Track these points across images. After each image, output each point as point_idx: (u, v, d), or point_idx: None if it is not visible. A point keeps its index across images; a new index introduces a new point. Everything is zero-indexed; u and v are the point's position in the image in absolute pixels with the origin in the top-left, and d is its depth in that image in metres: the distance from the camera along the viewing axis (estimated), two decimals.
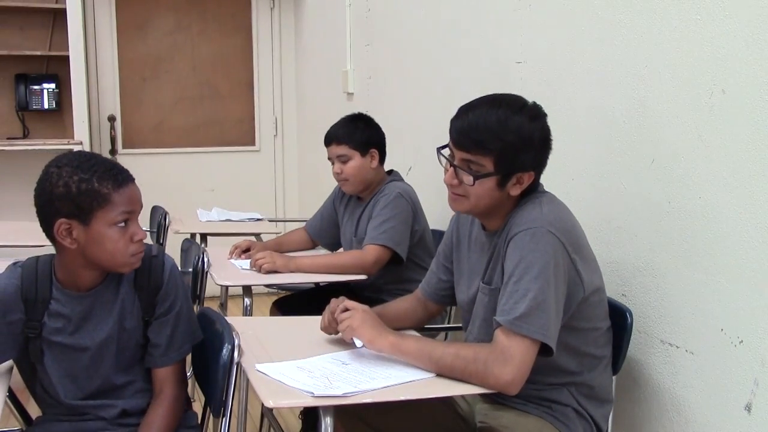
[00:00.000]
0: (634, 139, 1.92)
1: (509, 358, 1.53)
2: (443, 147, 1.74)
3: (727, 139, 1.63)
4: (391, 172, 2.82)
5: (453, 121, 1.69)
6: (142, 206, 1.64)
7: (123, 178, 1.60)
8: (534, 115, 1.66)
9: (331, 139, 2.75)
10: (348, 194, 2.86)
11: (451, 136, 1.69)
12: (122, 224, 1.59)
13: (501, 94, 1.70)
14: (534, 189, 1.72)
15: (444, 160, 1.74)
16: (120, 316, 1.67)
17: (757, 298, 1.58)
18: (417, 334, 1.87)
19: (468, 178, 1.66)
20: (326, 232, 2.99)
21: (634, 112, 1.91)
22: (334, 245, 3.01)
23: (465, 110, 1.68)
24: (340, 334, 1.75)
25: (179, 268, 1.75)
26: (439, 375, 1.59)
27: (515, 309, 1.55)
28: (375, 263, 2.57)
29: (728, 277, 1.65)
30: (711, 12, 1.67)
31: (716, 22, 1.65)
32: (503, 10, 2.54)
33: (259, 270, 2.57)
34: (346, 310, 1.73)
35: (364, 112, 2.93)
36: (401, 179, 2.80)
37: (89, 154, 1.64)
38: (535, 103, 1.70)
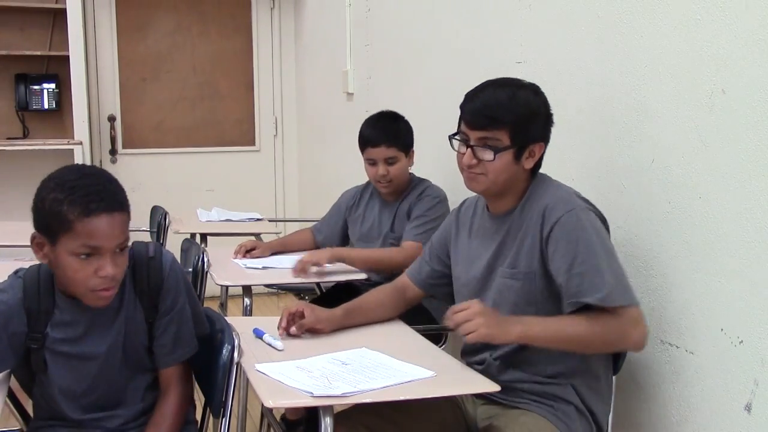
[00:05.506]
0: (634, 139, 1.92)
1: (635, 321, 1.63)
2: (455, 134, 1.81)
3: (727, 139, 1.63)
4: None
5: (465, 105, 1.79)
6: (120, 240, 1.52)
7: (97, 207, 1.48)
8: (536, 90, 1.80)
9: (380, 140, 2.65)
10: (389, 200, 2.78)
11: (464, 119, 1.78)
12: (83, 256, 1.49)
13: (501, 77, 1.83)
14: (540, 166, 1.81)
15: (457, 144, 1.80)
16: (125, 323, 1.64)
17: (757, 298, 1.58)
18: (537, 317, 1.71)
19: (488, 154, 1.73)
20: (335, 237, 2.97)
21: (634, 112, 1.91)
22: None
23: (474, 93, 1.79)
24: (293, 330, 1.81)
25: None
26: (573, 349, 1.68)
27: (601, 286, 1.61)
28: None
29: (728, 277, 1.65)
30: (711, 12, 1.66)
31: (716, 22, 1.65)
32: (503, 10, 2.54)
33: (304, 272, 2.52)
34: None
35: (364, 113, 2.92)
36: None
37: (85, 172, 1.56)
38: (531, 82, 1.82)
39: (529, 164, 1.77)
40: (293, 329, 1.84)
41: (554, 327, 1.64)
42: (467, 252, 1.91)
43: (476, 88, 1.80)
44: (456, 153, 1.81)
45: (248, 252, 2.83)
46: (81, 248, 1.48)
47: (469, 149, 1.76)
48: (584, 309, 1.64)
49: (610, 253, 1.67)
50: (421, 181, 2.76)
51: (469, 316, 1.60)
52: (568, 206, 1.69)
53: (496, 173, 1.74)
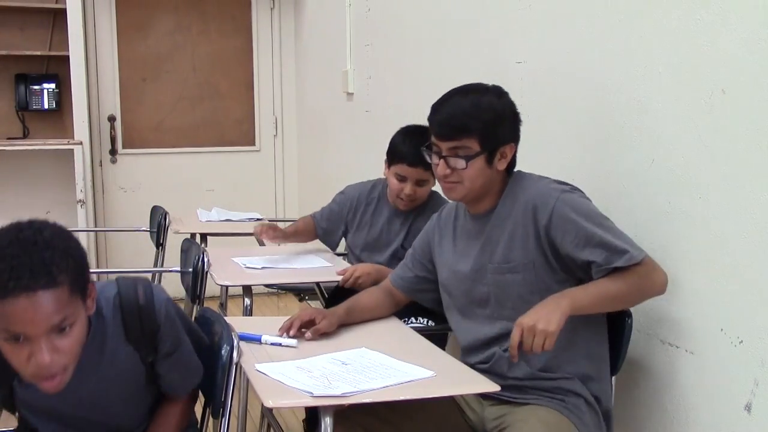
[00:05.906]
0: (634, 139, 1.92)
1: (654, 268, 1.71)
2: (426, 146, 1.85)
3: (727, 139, 1.63)
4: None
5: (431, 117, 1.82)
6: (53, 323, 1.27)
7: (14, 286, 1.22)
8: (499, 93, 1.82)
9: (420, 162, 2.41)
10: (400, 210, 2.68)
11: (432, 131, 1.82)
12: (12, 341, 1.26)
13: (465, 84, 1.86)
14: (514, 165, 1.84)
15: (430, 156, 1.84)
16: (110, 371, 1.50)
17: (757, 298, 1.58)
18: (574, 288, 1.73)
19: (460, 162, 1.77)
20: (335, 237, 2.96)
21: (633, 112, 1.91)
22: (334, 248, 3.01)
23: (439, 104, 1.82)
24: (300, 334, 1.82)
25: (172, 299, 1.58)
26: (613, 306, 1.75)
27: (623, 248, 1.67)
28: None
29: (728, 277, 1.65)
30: (711, 12, 1.67)
31: (716, 22, 1.65)
32: (503, 10, 2.54)
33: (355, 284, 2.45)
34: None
35: (364, 113, 2.91)
36: None
37: (18, 236, 1.30)
38: (495, 84, 1.85)
39: (502, 165, 1.80)
40: (308, 335, 1.83)
41: (596, 290, 1.68)
42: (453, 256, 1.92)
43: (440, 98, 1.83)
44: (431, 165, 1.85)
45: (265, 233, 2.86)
46: (3, 333, 1.26)
47: (441, 160, 1.79)
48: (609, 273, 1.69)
49: (609, 220, 1.74)
50: (433, 193, 2.64)
51: (530, 335, 1.60)
52: (555, 193, 1.74)
53: (471, 180, 1.78)
